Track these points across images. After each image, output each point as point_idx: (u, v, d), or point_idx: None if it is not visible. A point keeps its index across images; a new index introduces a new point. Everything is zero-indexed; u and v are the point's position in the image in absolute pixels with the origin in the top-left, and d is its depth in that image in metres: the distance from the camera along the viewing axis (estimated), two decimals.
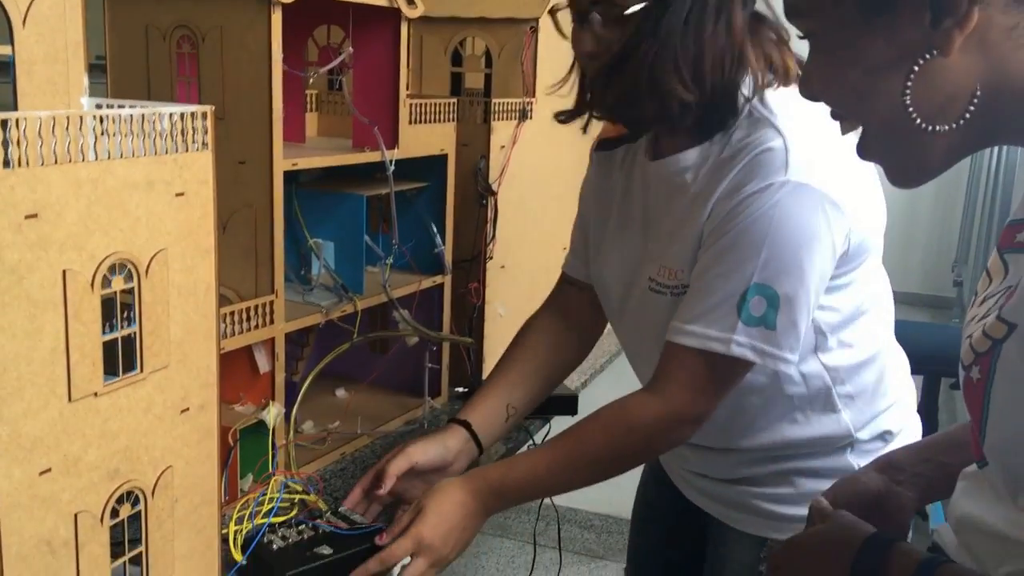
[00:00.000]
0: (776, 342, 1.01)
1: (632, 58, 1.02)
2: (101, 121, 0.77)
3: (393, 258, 1.37)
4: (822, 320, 1.09)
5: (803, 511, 1.12)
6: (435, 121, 1.42)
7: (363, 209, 1.34)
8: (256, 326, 1.15)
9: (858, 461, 1.16)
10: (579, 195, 1.34)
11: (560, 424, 1.51)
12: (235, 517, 1.03)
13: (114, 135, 0.78)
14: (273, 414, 1.18)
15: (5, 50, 0.83)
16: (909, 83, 0.66)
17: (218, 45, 1.13)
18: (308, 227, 1.35)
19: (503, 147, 1.56)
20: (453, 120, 1.46)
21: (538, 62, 1.60)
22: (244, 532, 1.02)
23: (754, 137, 1.02)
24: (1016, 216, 0.73)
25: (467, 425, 1.21)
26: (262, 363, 1.18)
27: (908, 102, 0.67)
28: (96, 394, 0.79)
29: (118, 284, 0.80)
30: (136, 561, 0.87)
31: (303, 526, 1.07)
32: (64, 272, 0.74)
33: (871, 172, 1.07)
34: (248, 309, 1.14)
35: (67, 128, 0.74)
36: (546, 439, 1.15)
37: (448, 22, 1.63)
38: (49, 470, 0.75)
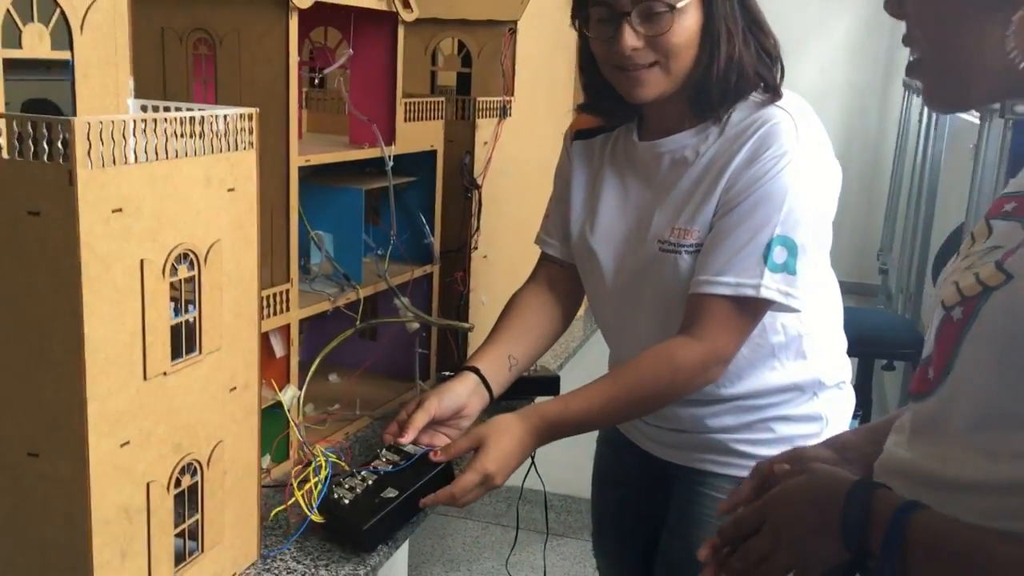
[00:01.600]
0: (796, 285, 1.19)
1: (716, 44, 1.18)
2: (170, 123, 0.83)
3: (392, 249, 1.45)
4: None
5: (777, 452, 1.27)
6: (427, 119, 1.50)
7: (362, 202, 1.42)
8: (273, 313, 1.22)
9: (824, 409, 1.34)
10: (555, 179, 1.47)
11: None
12: (296, 484, 1.10)
13: (180, 136, 0.85)
14: (289, 396, 1.25)
15: (62, 55, 0.90)
16: (1012, 24, 0.72)
17: (236, 47, 1.20)
18: (307, 220, 1.42)
19: (486, 143, 1.65)
20: (442, 118, 1.55)
21: (517, 62, 1.69)
22: (317, 492, 1.09)
23: (759, 115, 1.21)
24: (1007, 191, 0.84)
25: (476, 371, 1.32)
26: (278, 348, 1.25)
27: (1011, 46, 0.72)
28: (165, 373, 0.86)
29: (183, 273, 0.87)
30: (192, 530, 0.94)
31: (364, 473, 1.15)
32: (142, 261, 0.81)
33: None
34: (267, 297, 1.21)
35: (144, 130, 0.80)
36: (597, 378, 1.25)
37: (429, 23, 1.71)
38: (128, 443, 0.82)
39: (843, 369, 1.40)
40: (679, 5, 1.16)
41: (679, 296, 1.25)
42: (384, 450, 1.20)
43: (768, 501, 0.92)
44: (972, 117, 3.65)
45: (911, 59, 0.83)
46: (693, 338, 1.21)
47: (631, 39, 1.18)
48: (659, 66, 1.20)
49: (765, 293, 1.18)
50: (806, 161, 1.18)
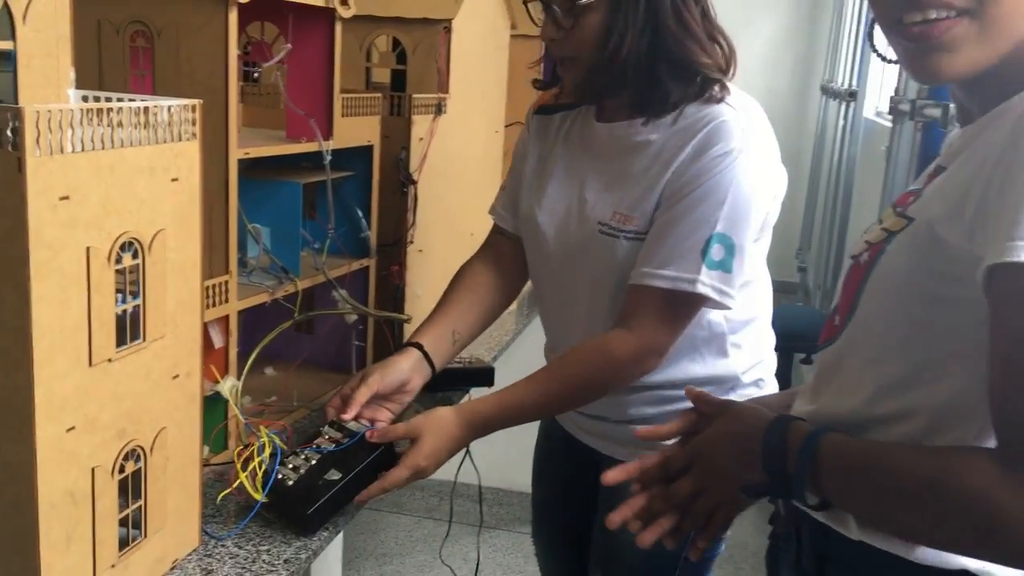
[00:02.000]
0: (730, 283, 1.22)
1: (619, 48, 1.20)
2: (116, 113, 0.85)
3: (330, 242, 1.47)
4: None
5: None
6: (364, 114, 1.53)
7: (300, 196, 1.43)
8: (213, 304, 1.23)
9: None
10: (514, 153, 1.52)
11: (478, 395, 1.66)
12: (239, 465, 1.11)
13: (126, 126, 0.86)
14: (228, 387, 1.26)
15: (6, 45, 0.90)
16: None
17: (174, 40, 1.20)
18: (244, 213, 1.43)
19: (422, 139, 1.68)
20: (378, 113, 1.57)
21: (451, 60, 1.72)
22: (263, 473, 1.10)
23: (710, 111, 1.23)
24: (913, 187, 0.92)
25: (420, 347, 1.35)
26: (217, 339, 1.26)
27: None
28: (110, 360, 0.87)
29: (127, 261, 0.88)
30: (134, 516, 0.95)
31: (306, 452, 1.17)
32: (88, 249, 0.82)
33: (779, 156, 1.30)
34: (206, 288, 1.22)
35: (91, 119, 0.81)
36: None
37: (364, 20, 1.72)
38: (73, 428, 0.84)
39: (764, 367, 1.44)
40: (581, 3, 1.20)
41: (614, 282, 1.30)
42: (326, 427, 1.23)
43: (695, 444, 0.99)
44: (885, 120, 3.81)
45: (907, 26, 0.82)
46: (628, 330, 1.25)
47: (548, 28, 1.24)
48: (576, 60, 1.25)
49: (701, 289, 1.21)
50: (751, 161, 1.21)
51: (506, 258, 1.51)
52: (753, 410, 0.96)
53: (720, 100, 1.24)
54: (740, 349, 1.38)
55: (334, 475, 1.14)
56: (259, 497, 1.10)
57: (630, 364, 1.26)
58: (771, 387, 1.45)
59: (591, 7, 1.21)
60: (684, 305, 1.25)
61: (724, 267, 1.21)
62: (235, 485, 1.13)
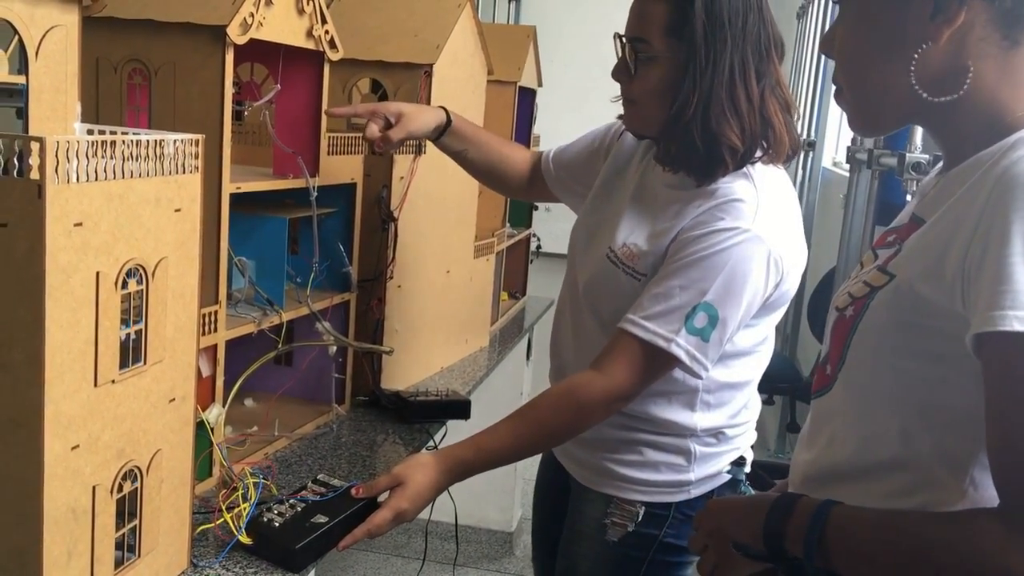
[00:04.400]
0: (705, 352, 1.25)
1: (681, 107, 1.27)
2: (127, 146, 0.89)
3: (314, 276, 1.51)
4: None
5: (644, 475, 1.40)
6: (348, 153, 1.58)
7: (285, 231, 1.48)
8: (203, 333, 1.26)
9: (695, 446, 1.41)
10: (590, 137, 1.61)
11: (454, 427, 1.70)
12: (224, 505, 1.14)
13: (135, 158, 0.90)
14: (214, 414, 1.29)
15: (16, 79, 0.95)
16: (914, 63, 0.86)
17: (171, 78, 1.25)
18: (231, 246, 1.47)
19: (402, 178, 1.73)
20: (362, 152, 1.63)
21: (432, 102, 1.78)
22: (244, 514, 1.13)
23: (735, 185, 1.28)
24: (890, 227, 0.98)
25: (447, 113, 1.59)
26: (204, 368, 1.29)
27: (913, 80, 0.87)
28: (114, 381, 0.90)
29: (132, 286, 0.92)
30: (128, 535, 0.98)
31: (292, 501, 1.21)
32: (97, 274, 0.86)
33: (803, 245, 1.34)
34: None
35: (104, 150, 0.86)
36: (509, 414, 1.32)
37: (348, 63, 1.78)
38: (78, 446, 0.87)
39: (732, 428, 1.43)
40: (650, 55, 1.27)
41: (601, 300, 1.36)
42: (311, 483, 1.28)
43: (705, 510, 1.03)
44: (842, 170, 3.95)
45: (834, 89, 0.97)
46: (599, 372, 1.29)
47: (618, 69, 1.32)
48: (635, 103, 1.32)
49: (674, 350, 1.24)
50: (756, 244, 1.24)
51: (536, 170, 1.67)
52: (762, 493, 1.01)
53: (748, 178, 1.28)
54: (710, 408, 1.39)
55: (320, 519, 1.18)
56: (242, 538, 1.13)
57: (597, 408, 1.30)
58: (740, 443, 1.45)
59: (654, 61, 1.27)
60: (656, 360, 1.27)
61: (703, 336, 1.24)
62: (218, 522, 1.16)
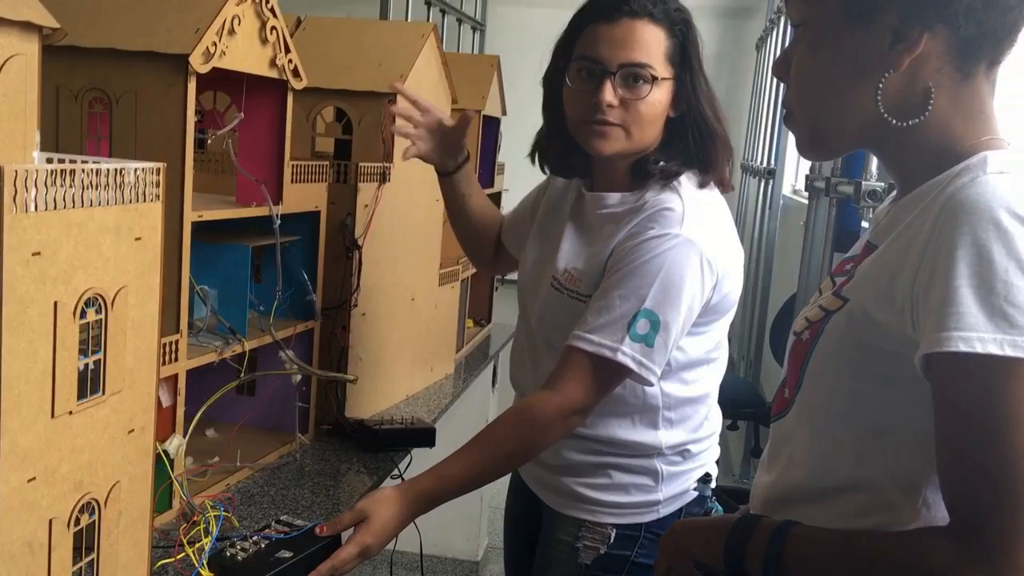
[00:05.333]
0: (651, 358, 1.28)
1: (689, 112, 1.37)
2: (87, 175, 0.88)
3: (277, 304, 1.50)
4: (673, 356, 1.35)
5: (614, 498, 1.42)
6: (312, 181, 1.58)
7: (248, 259, 1.47)
8: (163, 363, 1.25)
9: (662, 466, 1.43)
10: (528, 196, 1.67)
11: (419, 455, 1.69)
12: (185, 540, 1.12)
13: (95, 187, 0.90)
14: (175, 445, 1.28)
15: None
16: (880, 89, 0.87)
17: (132, 107, 1.25)
18: (192, 275, 1.46)
19: (367, 206, 1.73)
20: (326, 180, 1.63)
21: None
22: (206, 547, 1.11)
23: (662, 197, 1.35)
24: (847, 255, 1.00)
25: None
26: (165, 398, 1.28)
27: (881, 108, 0.88)
28: (71, 412, 0.89)
29: (91, 316, 0.91)
30: (86, 569, 0.96)
31: (255, 538, 1.19)
32: (56, 303, 0.85)
33: (738, 249, 1.40)
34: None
35: (64, 179, 0.85)
36: (467, 441, 1.32)
37: (311, 92, 1.79)
38: (34, 478, 0.85)
39: (696, 443, 1.45)
40: (660, 77, 1.32)
41: (552, 330, 1.39)
42: (275, 522, 1.27)
43: (669, 533, 1.04)
44: (801, 198, 4.01)
45: (784, 112, 0.99)
46: (552, 391, 1.30)
47: (609, 95, 1.32)
48: (624, 128, 1.34)
49: (621, 358, 1.27)
50: (688, 249, 1.29)
51: (497, 235, 1.70)
52: (725, 515, 1.01)
53: (674, 190, 1.36)
54: (673, 425, 1.42)
55: (285, 554, 1.17)
56: (203, 572, 1.11)
57: (553, 424, 1.30)
58: (704, 458, 1.47)
59: (659, 83, 1.34)
60: (605, 371, 1.29)
61: (647, 341, 1.27)
62: (179, 557, 1.14)
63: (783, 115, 1.00)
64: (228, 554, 1.15)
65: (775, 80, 4.53)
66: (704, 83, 1.38)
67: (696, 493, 1.44)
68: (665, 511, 1.42)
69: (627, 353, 1.27)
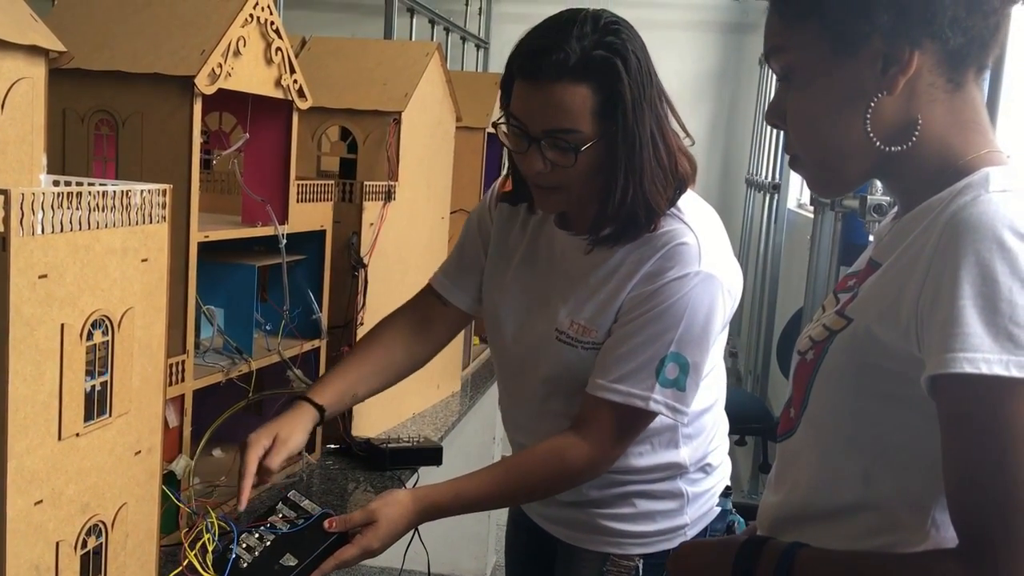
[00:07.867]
0: (684, 401, 1.26)
1: (611, 185, 1.23)
2: (93, 197, 0.89)
3: (284, 323, 1.50)
4: None
5: (641, 528, 1.38)
6: (318, 200, 1.58)
7: (255, 278, 1.47)
8: (170, 383, 1.25)
9: (686, 486, 1.41)
10: (467, 226, 1.52)
11: (426, 473, 1.68)
12: (187, 542, 1.12)
13: (101, 209, 0.90)
14: (182, 466, 1.27)
15: None
16: (868, 116, 0.86)
17: (138, 128, 1.25)
18: (199, 295, 1.46)
19: (372, 224, 1.74)
20: (331, 199, 1.63)
21: (401, 149, 1.80)
22: (212, 549, 1.11)
23: (669, 230, 1.27)
24: (850, 271, 0.99)
25: (320, 408, 1.35)
26: (171, 418, 1.28)
27: (869, 130, 0.87)
28: (78, 435, 0.89)
29: (98, 338, 0.91)
30: None
31: (261, 530, 1.18)
32: (62, 326, 0.85)
33: (735, 261, 1.34)
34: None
35: (71, 201, 0.85)
36: (488, 464, 1.32)
37: (316, 111, 1.79)
38: (41, 501, 0.85)
39: (717, 454, 1.44)
40: (588, 139, 1.20)
41: (569, 384, 1.32)
42: (280, 504, 1.25)
43: (674, 555, 1.03)
44: (806, 212, 4.01)
45: (790, 157, 0.97)
46: (582, 439, 1.27)
47: (538, 163, 1.23)
48: (563, 188, 1.26)
49: (653, 407, 1.24)
50: (709, 284, 1.24)
51: (433, 324, 1.50)
52: (732, 536, 1.00)
53: (679, 220, 1.27)
54: (691, 439, 1.39)
55: (290, 560, 1.16)
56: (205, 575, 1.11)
57: (583, 471, 1.30)
58: (723, 471, 1.46)
59: (588, 145, 1.21)
60: (636, 419, 1.27)
61: (678, 385, 1.25)
62: (184, 564, 1.13)
63: (788, 160, 0.98)
64: (233, 556, 1.14)
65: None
66: (650, 115, 1.22)
67: (719, 509, 1.42)
68: (691, 533, 1.40)
69: (659, 400, 1.24)
